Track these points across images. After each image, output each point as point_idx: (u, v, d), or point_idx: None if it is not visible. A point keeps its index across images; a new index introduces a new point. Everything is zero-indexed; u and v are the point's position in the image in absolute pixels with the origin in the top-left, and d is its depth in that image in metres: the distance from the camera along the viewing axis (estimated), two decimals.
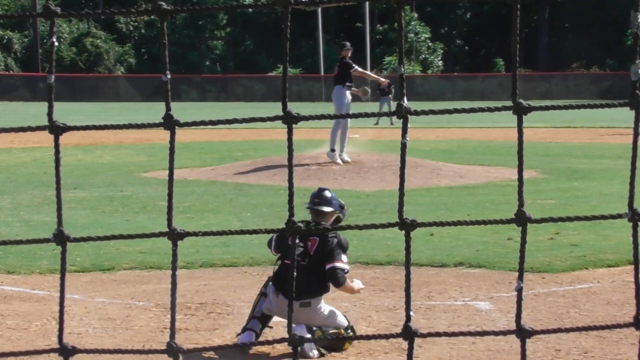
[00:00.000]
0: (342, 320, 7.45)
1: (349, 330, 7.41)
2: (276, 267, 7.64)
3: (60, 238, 2.52)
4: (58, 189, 2.53)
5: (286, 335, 2.63)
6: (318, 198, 7.73)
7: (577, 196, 16.46)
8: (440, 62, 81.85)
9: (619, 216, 2.51)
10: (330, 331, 7.33)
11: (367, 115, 2.94)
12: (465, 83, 74.25)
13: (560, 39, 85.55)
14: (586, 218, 2.64)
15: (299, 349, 2.58)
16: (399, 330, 2.56)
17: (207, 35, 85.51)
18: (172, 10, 2.49)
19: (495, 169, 21.18)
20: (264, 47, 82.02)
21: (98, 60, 79.04)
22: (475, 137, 32.39)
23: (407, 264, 2.54)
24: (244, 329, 7.44)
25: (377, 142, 26.23)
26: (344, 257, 7.35)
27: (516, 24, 2.45)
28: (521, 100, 2.49)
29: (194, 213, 14.49)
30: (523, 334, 2.52)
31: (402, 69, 2.50)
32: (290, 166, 2.53)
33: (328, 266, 7.27)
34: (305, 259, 7.37)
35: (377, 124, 37.56)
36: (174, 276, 2.53)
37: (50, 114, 2.50)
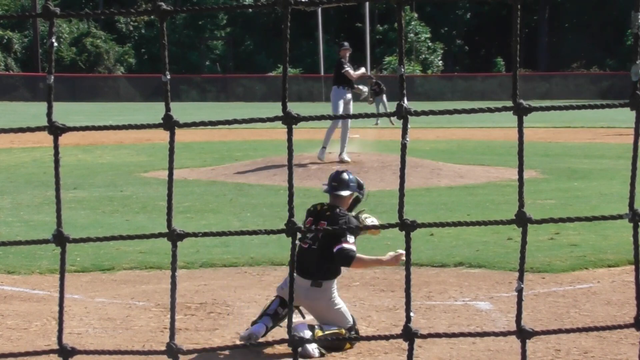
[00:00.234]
0: (348, 320, 7.43)
1: (352, 332, 7.39)
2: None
3: (60, 239, 2.52)
4: (57, 189, 2.53)
5: (287, 336, 2.63)
6: (336, 181, 7.69)
7: (577, 196, 16.45)
8: (440, 62, 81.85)
9: (620, 217, 2.51)
10: (330, 331, 7.32)
11: (366, 115, 2.94)
12: (465, 83, 74.24)
13: (560, 39, 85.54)
14: (586, 218, 2.64)
15: (299, 349, 2.58)
16: (399, 330, 2.56)
17: (207, 35, 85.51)
18: (172, 11, 2.49)
19: (495, 169, 21.18)
20: (264, 47, 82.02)
21: (98, 60, 79.04)
22: (475, 137, 32.38)
23: (407, 264, 2.54)
24: (254, 323, 7.40)
25: (377, 142, 26.23)
26: (350, 239, 7.32)
27: (516, 24, 2.45)
28: (521, 101, 2.49)
29: (194, 213, 14.49)
30: (523, 334, 2.52)
31: (402, 69, 2.49)
32: (290, 166, 2.53)
33: (335, 249, 7.25)
34: (316, 243, 7.39)
35: (377, 124, 37.56)
36: (173, 276, 2.53)
37: (49, 114, 2.50)
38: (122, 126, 2.64)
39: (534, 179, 18.75)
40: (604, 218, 2.61)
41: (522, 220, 2.50)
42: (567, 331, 2.69)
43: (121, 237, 2.65)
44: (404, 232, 2.56)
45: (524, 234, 2.52)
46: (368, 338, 2.96)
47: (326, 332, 7.27)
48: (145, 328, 7.98)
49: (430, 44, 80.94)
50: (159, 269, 10.40)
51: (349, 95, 19.84)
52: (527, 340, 2.56)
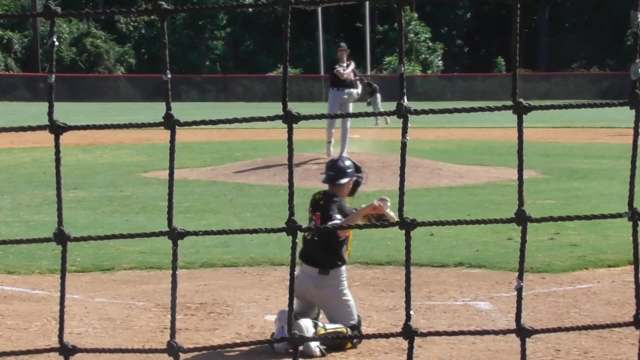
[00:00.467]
0: (353, 316, 7.42)
1: (355, 331, 7.38)
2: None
3: (61, 237, 2.52)
4: (58, 188, 2.53)
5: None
6: (333, 170, 7.69)
7: (577, 196, 16.46)
8: (440, 62, 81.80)
9: (619, 215, 2.52)
10: (333, 329, 7.31)
11: (366, 114, 2.94)
12: (465, 83, 74.21)
13: (560, 39, 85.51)
14: (586, 217, 2.64)
15: (300, 347, 2.58)
16: (399, 330, 2.56)
17: (207, 35, 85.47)
18: (172, 10, 2.49)
19: (495, 169, 21.18)
20: (264, 47, 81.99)
21: (98, 60, 79.01)
22: (475, 137, 32.38)
23: (407, 263, 2.55)
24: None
25: (377, 142, 26.24)
26: (337, 216, 7.32)
27: (516, 24, 2.46)
28: (521, 100, 2.49)
29: (194, 213, 14.49)
30: (523, 333, 2.52)
31: (402, 69, 2.50)
32: (290, 166, 2.53)
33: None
34: (315, 235, 7.41)
35: (376, 124, 37.52)
36: (174, 275, 2.53)
37: (50, 113, 2.50)
38: (122, 125, 2.64)
39: (534, 179, 18.75)
40: (603, 217, 2.61)
41: (521, 218, 2.50)
42: (567, 329, 2.70)
43: (122, 236, 2.65)
44: (404, 231, 2.56)
45: (524, 233, 2.53)
46: (368, 336, 2.97)
47: (328, 330, 7.26)
48: (145, 328, 7.99)
49: (430, 44, 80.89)
50: (159, 269, 10.41)
51: (345, 96, 19.91)
52: (527, 340, 2.56)
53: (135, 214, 14.56)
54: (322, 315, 7.63)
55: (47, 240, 2.57)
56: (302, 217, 7.65)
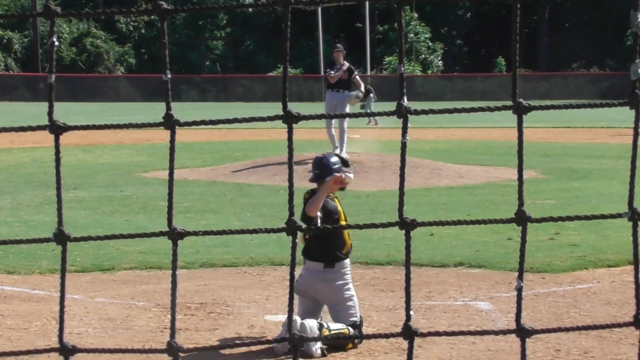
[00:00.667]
0: (356, 313, 7.46)
1: (356, 330, 7.39)
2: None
3: (61, 237, 2.52)
4: (58, 188, 2.53)
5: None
6: (318, 169, 7.70)
7: (577, 196, 16.45)
8: (440, 62, 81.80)
9: (619, 215, 2.52)
10: (336, 330, 7.32)
11: (365, 115, 2.94)
12: (465, 83, 74.20)
13: (560, 39, 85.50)
14: (586, 218, 2.64)
15: (302, 347, 2.58)
16: (399, 330, 2.56)
17: (207, 35, 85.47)
18: (172, 10, 2.49)
19: (495, 169, 21.18)
20: (264, 47, 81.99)
21: (98, 60, 79.00)
22: (475, 137, 32.38)
23: (407, 263, 2.55)
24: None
25: (377, 142, 26.24)
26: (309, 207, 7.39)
27: (516, 24, 2.46)
28: (521, 100, 2.49)
29: (194, 213, 14.49)
30: (523, 333, 2.52)
31: (402, 69, 2.50)
32: (290, 166, 2.53)
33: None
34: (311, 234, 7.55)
35: (376, 124, 37.48)
36: (174, 276, 2.53)
37: (50, 113, 2.50)
38: (122, 125, 2.64)
39: (534, 179, 18.75)
40: (603, 217, 2.61)
41: (521, 218, 2.50)
42: (567, 330, 2.70)
43: (122, 236, 2.65)
44: (404, 232, 2.56)
45: (524, 233, 2.53)
46: (369, 337, 2.97)
47: (332, 332, 7.28)
48: (145, 328, 7.99)
49: (430, 44, 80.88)
50: (159, 269, 10.41)
51: (341, 97, 20.00)
52: (527, 340, 2.56)
53: (135, 214, 14.56)
54: (328, 316, 7.63)
55: (47, 240, 2.57)
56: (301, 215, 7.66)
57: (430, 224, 2.64)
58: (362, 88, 20.67)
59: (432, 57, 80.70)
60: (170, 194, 2.52)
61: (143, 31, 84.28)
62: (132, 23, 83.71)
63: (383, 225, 2.62)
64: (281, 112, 2.53)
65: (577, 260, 10.62)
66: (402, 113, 2.48)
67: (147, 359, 6.87)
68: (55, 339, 2.60)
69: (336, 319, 7.47)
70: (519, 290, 2.52)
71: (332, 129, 20.23)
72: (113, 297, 9.14)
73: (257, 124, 33.99)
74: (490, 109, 2.58)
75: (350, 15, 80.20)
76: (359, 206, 14.84)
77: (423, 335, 2.56)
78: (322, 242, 7.51)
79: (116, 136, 31.26)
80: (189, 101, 67.35)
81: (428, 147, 26.91)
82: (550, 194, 16.67)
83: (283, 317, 8.11)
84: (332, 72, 19.96)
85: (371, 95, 37.41)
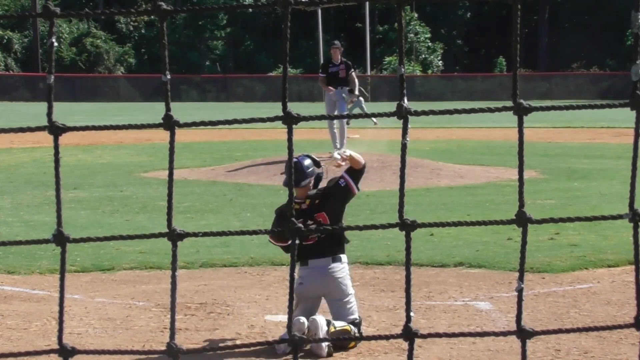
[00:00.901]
0: (355, 311, 7.50)
1: (356, 328, 7.42)
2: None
3: (60, 238, 2.52)
4: (58, 189, 2.53)
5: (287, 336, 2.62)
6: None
7: (577, 196, 16.45)
8: (440, 62, 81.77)
9: (620, 217, 2.51)
10: (341, 327, 7.33)
11: (365, 115, 2.94)
12: (465, 83, 74.18)
13: (560, 39, 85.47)
14: (586, 218, 2.64)
15: (307, 347, 2.58)
16: (399, 330, 2.56)
17: (207, 35, 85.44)
18: (172, 10, 2.49)
19: (495, 169, 21.17)
20: (264, 47, 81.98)
21: (98, 60, 78.98)
22: (475, 137, 32.37)
23: (407, 264, 2.54)
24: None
25: (377, 142, 26.23)
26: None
27: (516, 24, 2.45)
28: (522, 101, 2.49)
29: (194, 213, 14.49)
30: (523, 334, 2.52)
31: (402, 69, 2.49)
32: (290, 166, 2.53)
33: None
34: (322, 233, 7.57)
35: (375, 124, 37.40)
36: (174, 276, 2.53)
37: (49, 114, 2.49)
38: (122, 126, 2.64)
39: (534, 179, 18.74)
40: (604, 218, 2.61)
41: (522, 220, 2.50)
42: (567, 331, 2.69)
43: (121, 237, 2.65)
44: (404, 232, 2.55)
45: (524, 234, 2.52)
46: (369, 338, 2.97)
47: (337, 329, 7.29)
48: (145, 328, 7.99)
49: (430, 44, 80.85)
50: (159, 269, 10.41)
51: (339, 94, 20.08)
52: (527, 340, 2.56)
53: (135, 214, 14.56)
54: (328, 315, 7.63)
55: (46, 241, 2.57)
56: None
57: (430, 224, 2.64)
58: (356, 88, 20.81)
59: (432, 57, 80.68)
60: (169, 195, 2.52)
61: (143, 31, 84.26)
62: (132, 23, 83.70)
63: (383, 226, 2.62)
64: (281, 113, 2.53)
65: (577, 260, 10.62)
66: (403, 114, 2.47)
67: (147, 359, 6.86)
68: (56, 338, 2.60)
69: (337, 316, 7.47)
70: (520, 291, 2.51)
71: (335, 129, 20.26)
72: (113, 297, 9.14)
73: (257, 124, 33.99)
74: (490, 110, 2.58)
75: (350, 15, 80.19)
76: (359, 206, 14.84)
77: (423, 336, 2.56)
78: (330, 236, 7.54)
79: (116, 136, 31.25)
80: (188, 101, 67.31)
81: (428, 147, 26.91)
82: (550, 194, 16.66)
83: (283, 317, 8.12)
84: (323, 76, 20.26)
85: (361, 98, 37.38)
